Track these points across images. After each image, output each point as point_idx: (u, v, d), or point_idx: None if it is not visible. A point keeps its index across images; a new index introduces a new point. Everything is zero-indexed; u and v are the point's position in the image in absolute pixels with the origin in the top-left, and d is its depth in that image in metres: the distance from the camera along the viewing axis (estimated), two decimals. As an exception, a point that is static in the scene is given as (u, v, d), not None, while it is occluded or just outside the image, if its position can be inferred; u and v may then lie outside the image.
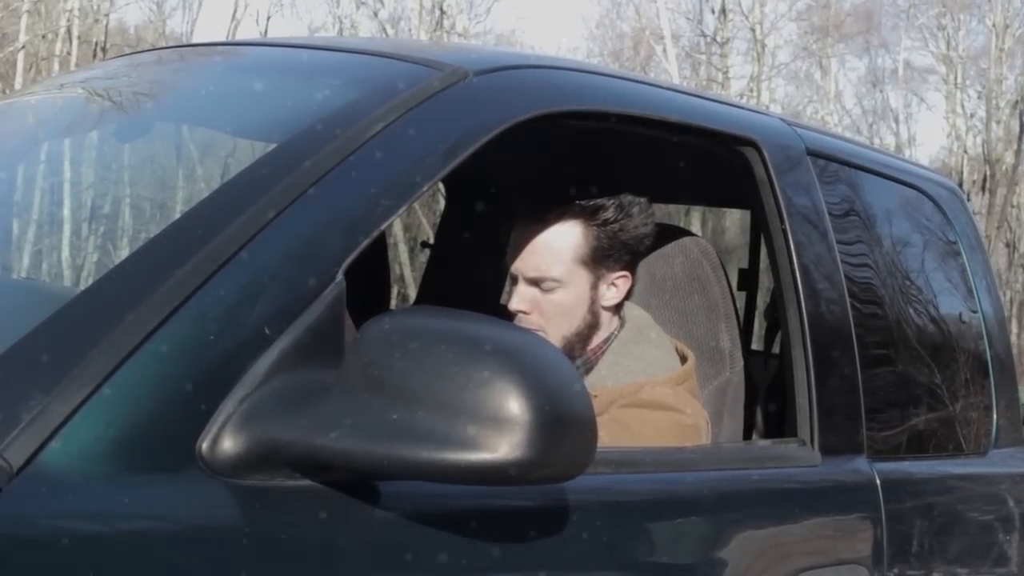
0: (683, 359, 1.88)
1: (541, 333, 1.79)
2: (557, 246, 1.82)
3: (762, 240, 1.95)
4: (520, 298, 1.84)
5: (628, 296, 1.89)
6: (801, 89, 30.84)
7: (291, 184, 1.21)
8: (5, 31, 22.16)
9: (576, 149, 1.93)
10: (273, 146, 1.32)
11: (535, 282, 1.83)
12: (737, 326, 2.00)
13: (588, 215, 1.82)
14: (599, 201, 1.82)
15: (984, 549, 2.15)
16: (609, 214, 1.82)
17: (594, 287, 1.84)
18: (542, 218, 1.82)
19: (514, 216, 1.87)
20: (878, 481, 1.83)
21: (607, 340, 1.87)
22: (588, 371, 1.85)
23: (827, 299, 1.85)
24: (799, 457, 1.75)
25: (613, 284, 1.86)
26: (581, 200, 1.81)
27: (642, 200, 1.86)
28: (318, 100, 1.45)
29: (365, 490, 1.13)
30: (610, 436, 1.59)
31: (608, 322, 1.88)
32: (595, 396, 1.73)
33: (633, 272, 1.88)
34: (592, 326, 1.85)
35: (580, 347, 1.85)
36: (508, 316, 1.84)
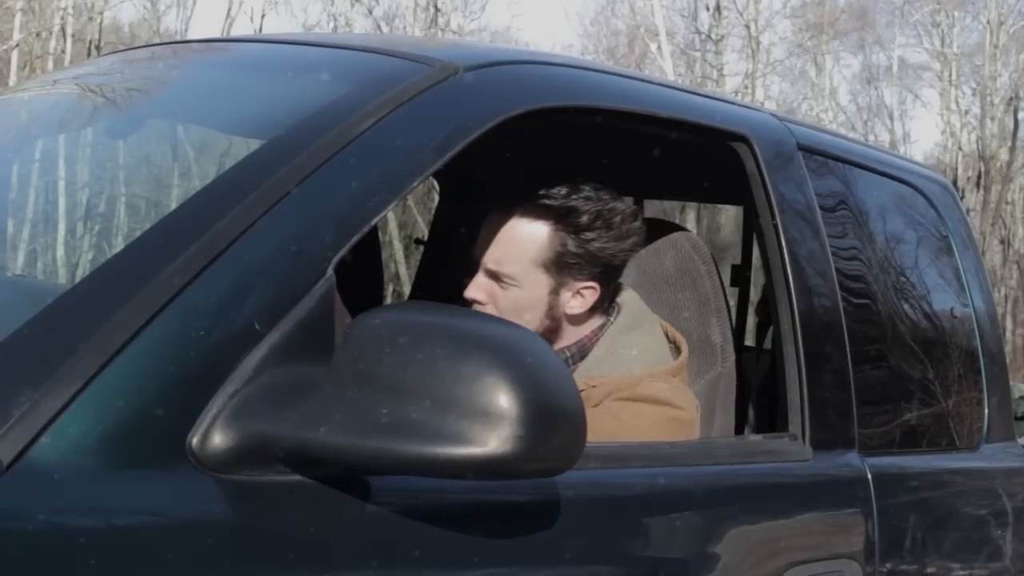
0: (676, 345, 1.84)
1: None
2: (518, 243, 1.74)
3: (754, 236, 1.95)
4: (477, 287, 1.76)
5: (596, 309, 1.80)
6: (796, 86, 30.88)
7: (281, 179, 1.22)
8: (-1, 29, 22.13)
9: (567, 145, 1.93)
10: (263, 142, 1.32)
11: (493, 275, 1.76)
12: (728, 320, 2.00)
13: (558, 217, 1.72)
14: (575, 204, 1.72)
15: (976, 544, 2.16)
16: (583, 220, 1.72)
17: (554, 293, 1.75)
18: (511, 212, 1.75)
19: (490, 205, 1.80)
20: (869, 476, 1.84)
21: (602, 327, 1.81)
22: (583, 357, 1.80)
23: (819, 294, 1.86)
24: (791, 452, 1.75)
25: (579, 294, 1.76)
26: (558, 200, 1.73)
27: (628, 212, 1.77)
28: (308, 96, 1.45)
29: (355, 485, 1.13)
30: (603, 428, 1.57)
31: (573, 331, 1.79)
32: (593, 386, 1.72)
33: (605, 285, 1.78)
34: (551, 331, 1.77)
35: None
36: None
